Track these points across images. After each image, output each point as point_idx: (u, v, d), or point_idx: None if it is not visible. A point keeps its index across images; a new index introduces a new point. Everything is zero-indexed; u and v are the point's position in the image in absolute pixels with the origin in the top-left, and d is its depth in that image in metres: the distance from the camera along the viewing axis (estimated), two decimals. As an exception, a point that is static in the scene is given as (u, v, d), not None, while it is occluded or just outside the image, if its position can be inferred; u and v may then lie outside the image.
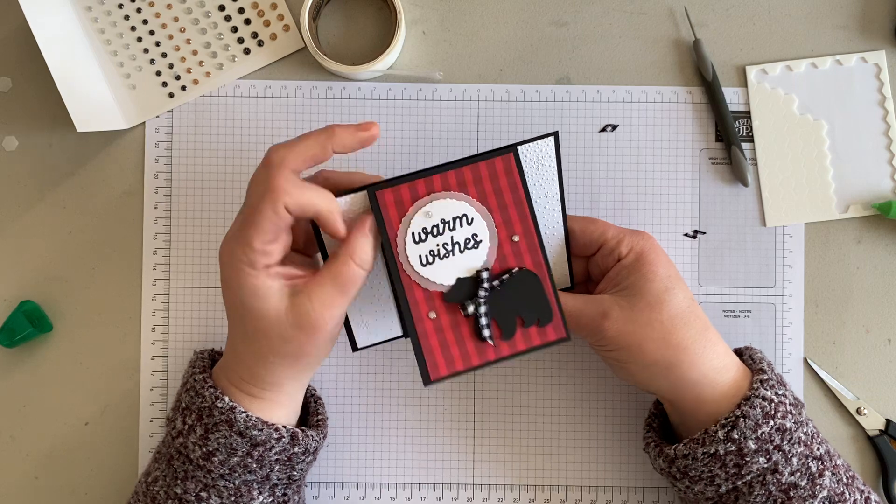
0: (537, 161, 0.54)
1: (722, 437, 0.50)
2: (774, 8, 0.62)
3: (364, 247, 0.49)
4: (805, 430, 0.52)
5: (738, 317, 0.62)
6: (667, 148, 0.62)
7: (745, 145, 0.62)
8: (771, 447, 0.50)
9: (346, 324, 0.54)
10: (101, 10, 0.62)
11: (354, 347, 0.54)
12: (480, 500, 0.61)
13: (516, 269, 0.51)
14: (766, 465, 0.50)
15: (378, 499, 0.61)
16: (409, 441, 0.62)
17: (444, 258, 0.51)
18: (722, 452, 0.50)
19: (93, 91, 0.60)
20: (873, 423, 0.61)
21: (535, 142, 0.53)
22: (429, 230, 0.50)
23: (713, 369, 0.52)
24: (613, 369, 0.55)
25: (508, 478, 0.61)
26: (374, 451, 0.61)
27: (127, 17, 0.62)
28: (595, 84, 0.62)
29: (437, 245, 0.51)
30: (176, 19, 0.62)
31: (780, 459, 0.50)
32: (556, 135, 0.53)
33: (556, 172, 0.54)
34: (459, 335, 0.51)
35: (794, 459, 0.50)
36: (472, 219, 0.51)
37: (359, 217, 0.50)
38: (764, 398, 0.50)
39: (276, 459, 0.52)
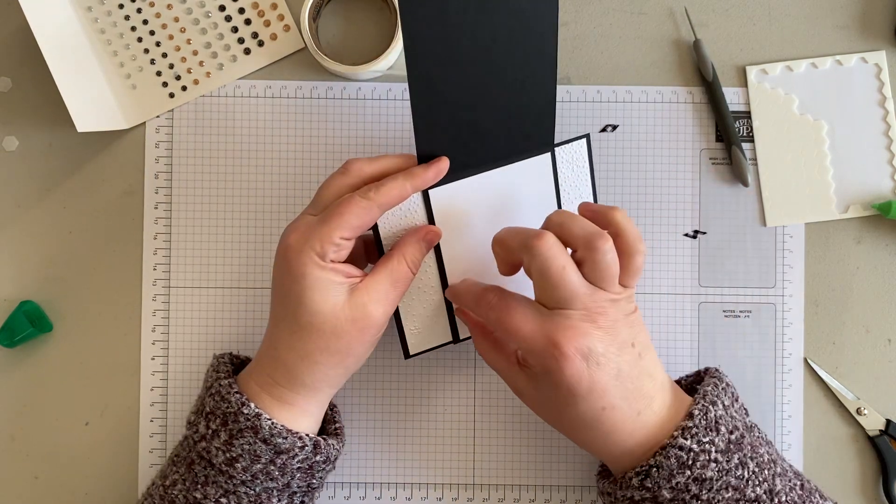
0: (572, 161, 0.56)
1: (636, 485, 0.49)
2: (774, 8, 0.62)
3: (416, 249, 0.53)
4: (738, 474, 0.49)
5: (738, 317, 0.62)
6: (667, 148, 0.62)
7: (745, 145, 0.62)
8: (688, 497, 0.49)
9: (400, 331, 0.56)
10: (102, 10, 0.62)
11: (407, 355, 0.57)
12: (480, 500, 0.61)
13: None
14: None
15: (378, 499, 0.61)
16: (409, 441, 0.62)
17: None
18: (637, 498, 0.50)
19: (93, 91, 0.60)
20: (873, 423, 0.61)
21: (570, 143, 0.56)
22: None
23: (637, 431, 0.50)
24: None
25: (508, 478, 0.61)
26: (374, 451, 0.62)
27: (127, 17, 0.62)
28: (595, 84, 0.62)
29: None
30: (176, 19, 0.62)
31: None
32: (587, 137, 0.56)
33: (588, 173, 0.57)
34: None
35: None
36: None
37: (415, 227, 0.54)
38: (681, 448, 0.48)
39: (298, 468, 0.52)
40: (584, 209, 0.52)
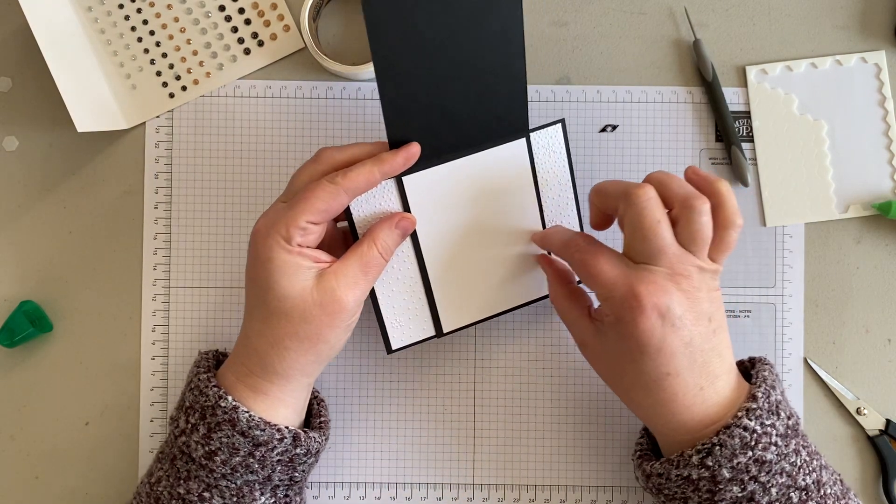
0: (548, 147, 0.56)
1: (696, 463, 0.49)
2: (774, 8, 0.62)
3: (387, 235, 0.53)
4: (793, 461, 0.49)
5: (738, 317, 0.62)
6: (667, 148, 0.62)
7: (745, 145, 0.62)
8: (746, 477, 0.49)
9: (381, 325, 0.56)
10: (102, 10, 0.62)
11: (389, 349, 0.56)
12: (480, 500, 0.61)
13: None
14: (740, 495, 0.49)
15: (378, 499, 0.61)
16: (409, 441, 0.62)
17: None
18: (695, 477, 0.49)
19: (93, 91, 0.60)
20: (873, 423, 0.61)
21: (544, 129, 0.56)
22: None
23: (701, 400, 0.50)
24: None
25: (508, 478, 0.61)
26: (374, 451, 0.61)
27: (127, 18, 0.62)
28: (595, 84, 0.62)
29: None
30: (176, 19, 0.62)
31: (758, 489, 0.49)
32: (562, 122, 0.56)
33: (566, 158, 0.57)
34: None
35: (774, 490, 0.49)
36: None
37: (389, 213, 0.54)
38: (745, 428, 0.48)
39: (279, 460, 0.52)
40: (691, 173, 0.52)
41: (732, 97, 0.62)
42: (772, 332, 0.62)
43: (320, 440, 0.54)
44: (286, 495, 0.54)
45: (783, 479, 0.49)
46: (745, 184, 0.61)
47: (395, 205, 0.54)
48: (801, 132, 0.62)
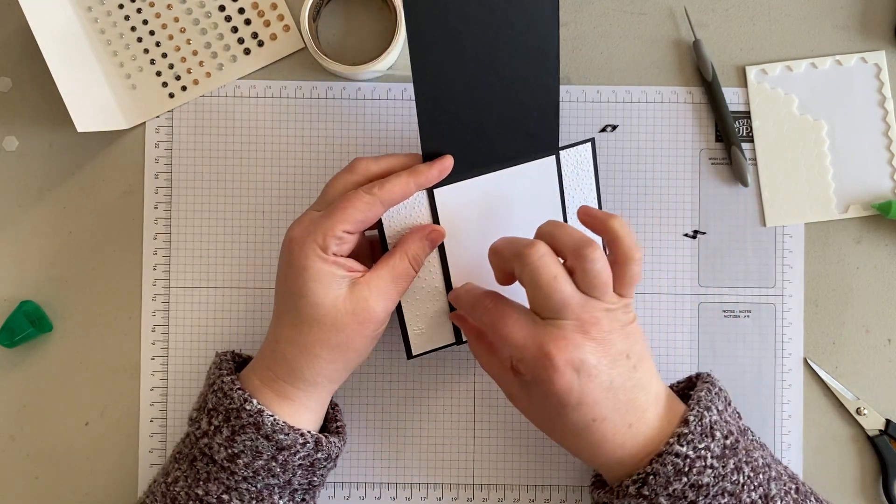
0: (577, 165, 0.57)
1: (633, 493, 0.49)
2: (774, 8, 0.62)
3: (418, 247, 0.53)
4: (734, 479, 0.49)
5: (738, 317, 0.62)
6: (667, 148, 0.62)
7: (745, 145, 0.62)
8: (685, 503, 0.49)
9: (403, 332, 0.56)
10: (102, 10, 0.62)
11: (410, 355, 0.57)
12: (480, 500, 0.61)
13: None
14: None
15: (378, 499, 0.61)
16: (409, 441, 0.62)
17: None
18: None
19: (93, 91, 0.60)
20: (873, 423, 0.61)
21: (575, 147, 0.56)
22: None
23: (627, 442, 0.50)
24: None
25: (508, 478, 0.61)
26: (374, 451, 0.62)
27: (127, 18, 0.62)
28: (595, 84, 0.62)
29: None
30: (176, 19, 0.62)
31: None
32: (592, 141, 0.57)
33: (593, 177, 0.57)
34: None
35: None
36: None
37: (419, 225, 0.55)
38: (677, 454, 0.48)
39: (300, 464, 0.52)
40: (583, 213, 0.52)
41: (732, 97, 0.62)
42: (772, 332, 0.62)
43: (340, 445, 0.55)
44: (303, 499, 0.54)
45: (726, 500, 0.49)
46: (745, 184, 0.61)
47: (425, 216, 0.55)
48: (801, 132, 0.62)
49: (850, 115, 0.62)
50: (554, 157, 0.56)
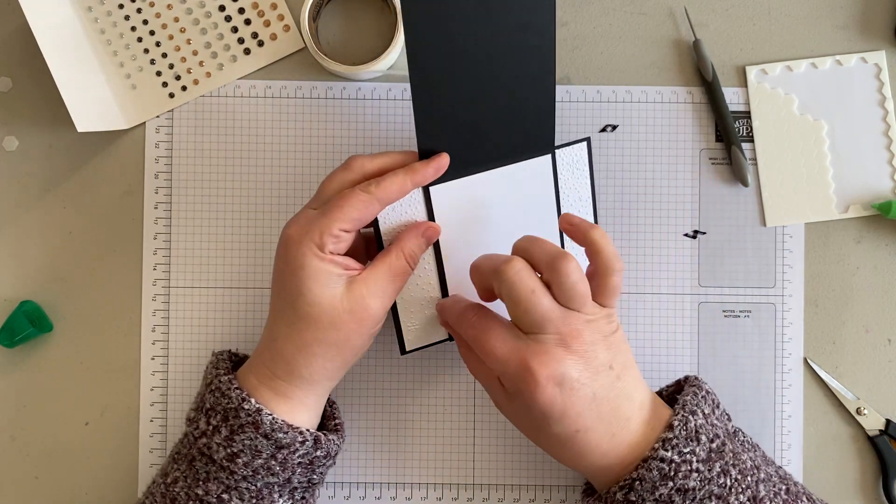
0: (572, 164, 0.57)
1: (621, 499, 0.49)
2: (774, 8, 0.62)
3: (414, 245, 0.53)
4: (721, 482, 0.49)
5: (738, 317, 0.62)
6: (667, 148, 0.62)
7: (745, 145, 0.62)
8: None
9: (397, 327, 0.56)
10: (102, 10, 0.62)
11: (403, 350, 0.57)
12: (480, 500, 0.61)
13: None
14: None
15: (378, 499, 0.61)
16: (409, 441, 0.62)
17: None
18: None
19: (93, 91, 0.60)
20: (873, 423, 0.61)
21: (570, 146, 0.56)
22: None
23: (612, 451, 0.50)
24: None
25: (508, 478, 0.61)
26: (374, 451, 0.62)
27: (127, 17, 0.62)
28: (595, 84, 0.62)
29: None
30: (176, 19, 0.62)
31: None
32: (588, 140, 0.57)
33: (588, 177, 0.57)
34: None
35: None
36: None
37: (415, 222, 0.55)
38: (662, 459, 0.48)
39: (299, 463, 0.52)
40: (564, 222, 0.52)
41: (732, 97, 0.62)
42: (772, 332, 0.62)
43: (339, 442, 0.55)
44: (303, 497, 0.54)
45: (713, 503, 0.49)
46: (745, 184, 0.61)
47: (420, 214, 0.55)
48: (801, 132, 0.62)
49: (850, 115, 0.62)
50: (549, 156, 0.56)
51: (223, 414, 0.51)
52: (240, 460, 0.51)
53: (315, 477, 0.54)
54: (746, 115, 0.62)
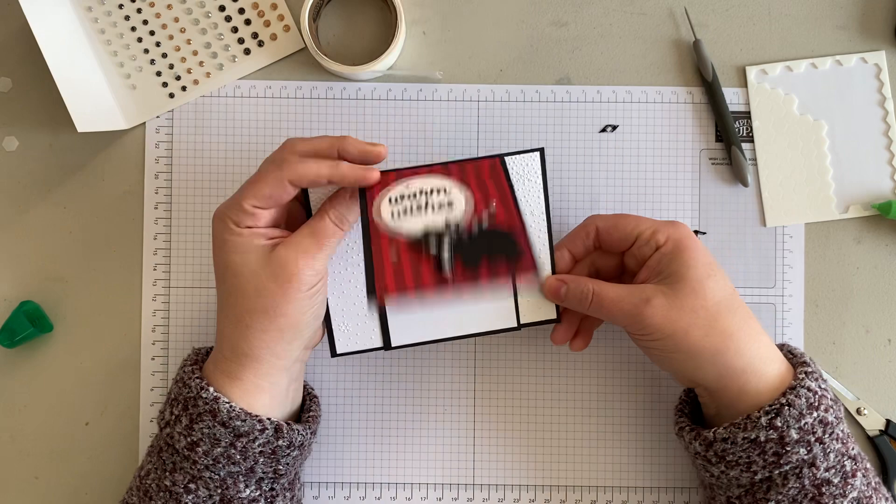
0: (524, 175, 0.55)
1: (765, 424, 0.50)
2: (774, 8, 0.62)
3: (340, 204, 0.53)
4: (842, 428, 0.51)
5: (738, 317, 0.62)
6: (667, 148, 0.62)
7: (745, 145, 0.62)
8: (812, 439, 0.50)
9: (328, 327, 0.55)
10: (102, 10, 0.62)
11: (333, 353, 0.56)
12: (480, 500, 0.61)
13: (486, 225, 0.54)
14: (805, 457, 0.50)
15: (378, 499, 0.61)
16: (409, 441, 0.62)
17: (415, 215, 0.54)
18: (763, 439, 0.50)
19: (93, 91, 0.60)
20: (873, 423, 0.61)
21: (521, 154, 0.55)
22: (406, 196, 0.54)
23: (759, 358, 0.51)
24: (656, 360, 0.54)
25: (508, 478, 0.61)
26: (374, 451, 0.62)
27: (127, 18, 0.62)
28: (595, 84, 0.62)
29: (410, 205, 0.54)
30: (176, 19, 0.62)
31: (819, 453, 0.50)
32: (541, 151, 0.55)
33: (541, 189, 0.55)
34: (418, 273, 0.54)
35: (832, 455, 0.50)
36: (450, 190, 0.54)
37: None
38: (809, 389, 0.50)
39: (260, 451, 0.52)
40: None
41: (732, 97, 0.62)
42: (772, 332, 0.62)
43: (304, 433, 0.54)
44: (272, 489, 0.54)
45: (838, 446, 0.50)
46: (745, 184, 0.61)
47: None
48: (801, 132, 0.62)
49: (850, 115, 0.62)
50: (498, 159, 0.54)
51: (184, 403, 0.52)
52: (199, 449, 0.51)
53: (281, 468, 0.53)
54: (746, 115, 0.62)
